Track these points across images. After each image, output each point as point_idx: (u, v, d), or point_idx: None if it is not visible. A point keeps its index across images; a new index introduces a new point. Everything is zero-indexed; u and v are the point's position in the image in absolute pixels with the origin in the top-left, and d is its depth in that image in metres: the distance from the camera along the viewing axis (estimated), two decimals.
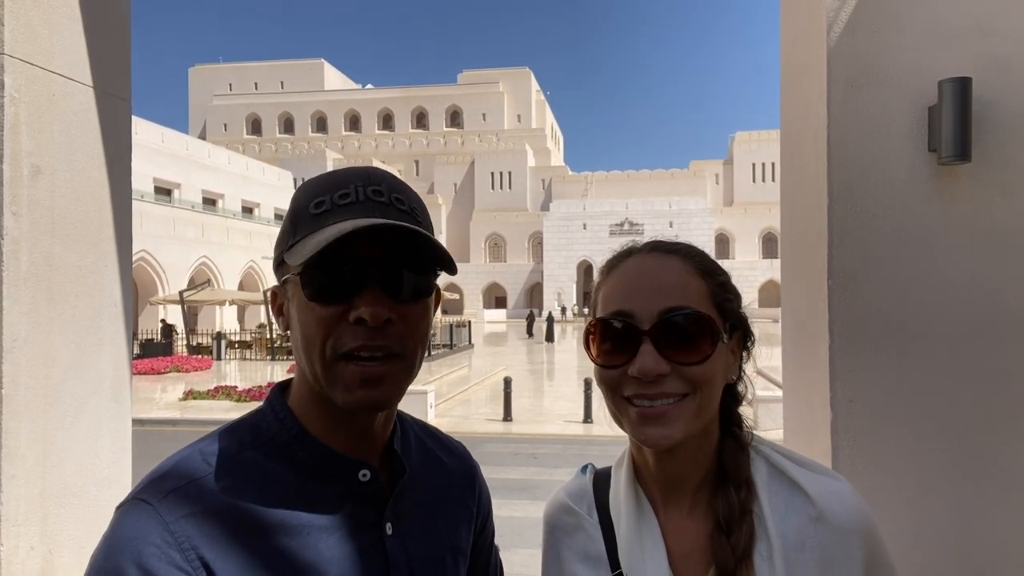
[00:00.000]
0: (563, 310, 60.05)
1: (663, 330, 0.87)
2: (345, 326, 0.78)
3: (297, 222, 0.81)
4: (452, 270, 0.83)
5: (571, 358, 27.59)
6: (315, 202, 0.81)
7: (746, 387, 0.99)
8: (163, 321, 28.37)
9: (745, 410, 1.00)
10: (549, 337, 34.24)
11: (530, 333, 37.64)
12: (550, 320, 35.46)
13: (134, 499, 0.76)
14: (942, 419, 1.66)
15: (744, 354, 0.97)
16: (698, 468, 0.94)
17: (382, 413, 0.87)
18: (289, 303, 0.83)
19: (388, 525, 0.86)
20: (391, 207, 0.81)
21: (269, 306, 0.90)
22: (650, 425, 0.87)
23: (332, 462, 0.84)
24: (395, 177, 0.86)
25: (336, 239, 0.74)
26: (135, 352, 24.65)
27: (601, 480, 1.02)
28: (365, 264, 0.78)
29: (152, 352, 24.77)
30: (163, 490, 0.75)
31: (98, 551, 0.73)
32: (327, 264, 0.76)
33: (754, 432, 0.99)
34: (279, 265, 0.84)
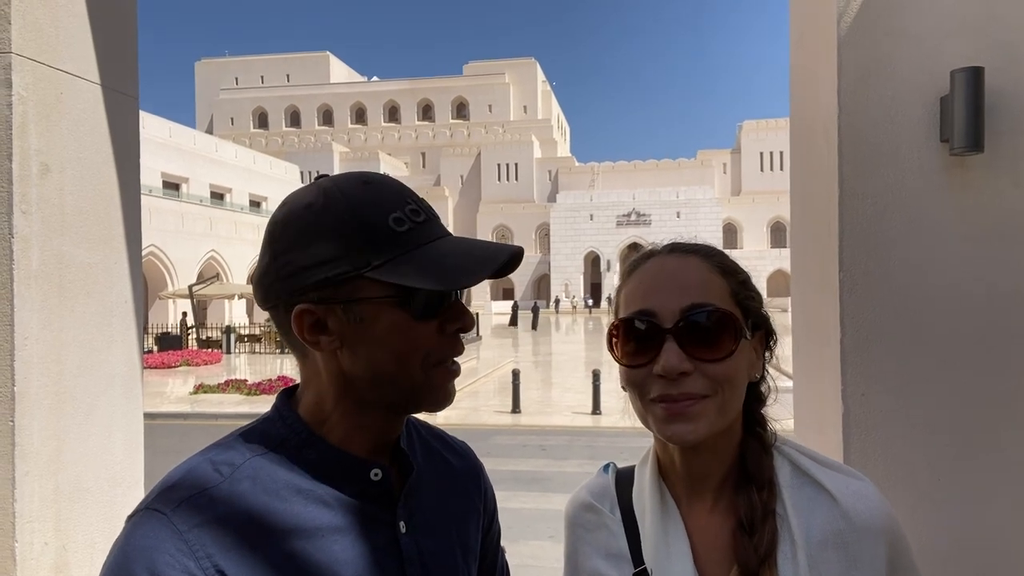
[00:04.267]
0: (556, 302, 61.23)
1: (686, 328, 0.87)
2: (443, 338, 0.84)
3: (375, 239, 0.78)
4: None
5: (578, 349, 27.64)
6: (393, 218, 0.80)
7: (769, 388, 0.99)
8: (184, 314, 28.52)
9: (768, 410, 1.00)
10: (534, 326, 40.19)
11: (513, 323, 42.33)
12: (535, 310, 41.85)
13: (146, 509, 0.76)
14: (954, 411, 1.65)
15: (767, 353, 0.97)
16: (720, 466, 0.94)
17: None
18: (356, 323, 0.80)
19: (401, 523, 0.86)
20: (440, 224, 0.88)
21: (294, 324, 0.81)
22: (675, 421, 0.87)
23: (344, 463, 0.84)
24: None
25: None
26: (151, 347, 24.80)
27: (623, 478, 1.03)
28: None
29: (167, 346, 24.90)
30: (175, 499, 0.76)
31: (111, 561, 0.73)
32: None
33: (777, 433, 0.98)
34: (344, 282, 0.79)
